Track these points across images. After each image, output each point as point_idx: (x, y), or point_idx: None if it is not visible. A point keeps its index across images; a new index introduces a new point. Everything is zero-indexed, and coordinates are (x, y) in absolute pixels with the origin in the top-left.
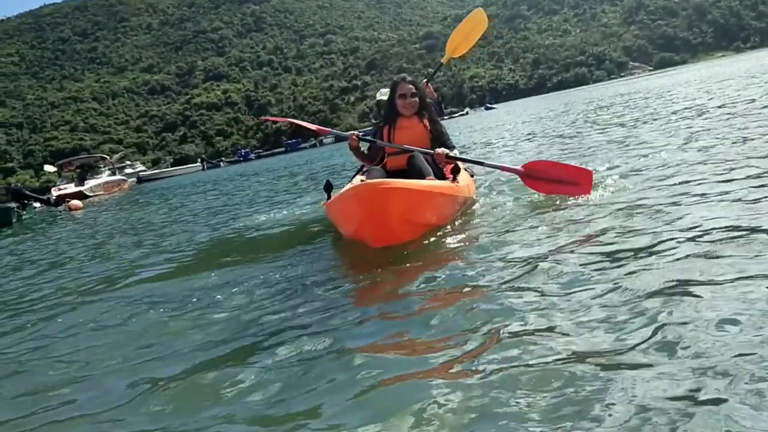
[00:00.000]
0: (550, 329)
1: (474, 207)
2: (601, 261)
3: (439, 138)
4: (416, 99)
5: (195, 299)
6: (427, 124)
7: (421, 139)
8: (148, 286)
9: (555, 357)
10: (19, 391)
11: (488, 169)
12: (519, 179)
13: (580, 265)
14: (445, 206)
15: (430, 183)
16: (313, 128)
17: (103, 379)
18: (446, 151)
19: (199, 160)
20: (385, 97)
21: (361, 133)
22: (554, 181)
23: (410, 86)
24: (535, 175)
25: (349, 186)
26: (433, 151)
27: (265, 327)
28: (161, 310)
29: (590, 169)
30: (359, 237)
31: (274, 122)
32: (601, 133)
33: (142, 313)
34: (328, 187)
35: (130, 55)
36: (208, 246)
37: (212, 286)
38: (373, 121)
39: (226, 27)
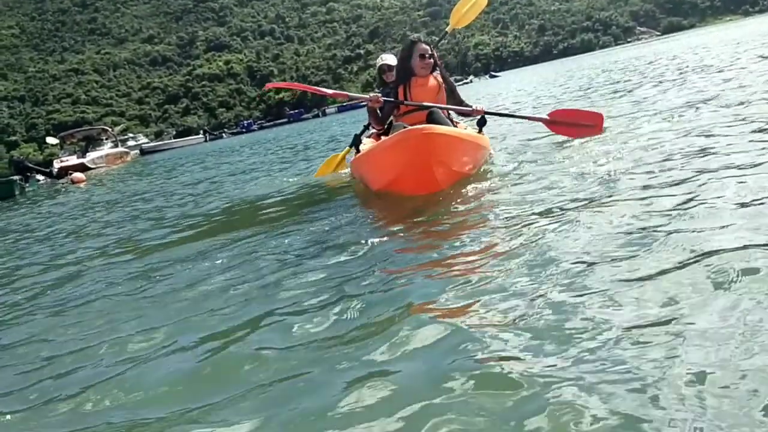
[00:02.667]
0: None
1: (492, 161)
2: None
3: (452, 92)
4: (432, 60)
5: (216, 266)
6: (441, 80)
7: (437, 95)
8: (160, 255)
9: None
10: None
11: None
12: (544, 126)
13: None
14: (476, 156)
15: (466, 132)
16: (329, 93)
17: (121, 350)
18: (483, 106)
19: (201, 131)
20: (389, 61)
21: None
22: (574, 125)
23: (427, 47)
24: (559, 121)
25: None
26: (471, 108)
27: (297, 289)
28: (175, 278)
29: (600, 112)
30: (397, 185)
31: (282, 89)
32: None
33: (158, 283)
34: (357, 141)
35: (130, 26)
36: (220, 214)
37: (235, 250)
38: (377, 90)
39: None
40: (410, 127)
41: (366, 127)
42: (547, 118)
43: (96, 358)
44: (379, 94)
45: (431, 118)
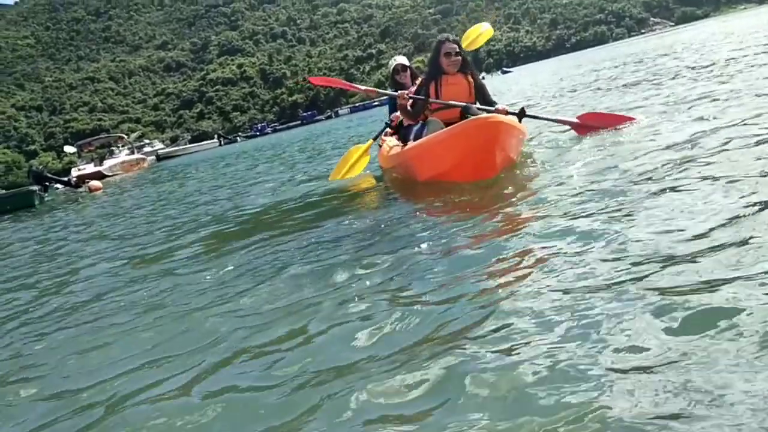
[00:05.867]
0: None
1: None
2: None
3: (482, 91)
4: (459, 58)
5: (257, 269)
6: (471, 80)
7: (467, 93)
8: (178, 263)
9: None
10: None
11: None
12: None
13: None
14: (522, 143)
15: (516, 121)
16: (362, 89)
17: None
18: (506, 107)
19: (215, 136)
20: (402, 62)
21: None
22: (605, 127)
23: (454, 45)
24: (588, 124)
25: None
26: (493, 108)
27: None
28: (195, 285)
29: (634, 117)
30: (456, 172)
31: (321, 86)
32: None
33: (180, 291)
34: (405, 136)
35: (144, 33)
36: (248, 217)
37: (270, 254)
38: (389, 90)
39: (238, 0)
40: (475, 117)
41: (387, 125)
42: (577, 121)
43: (124, 370)
44: (405, 92)
45: (466, 115)
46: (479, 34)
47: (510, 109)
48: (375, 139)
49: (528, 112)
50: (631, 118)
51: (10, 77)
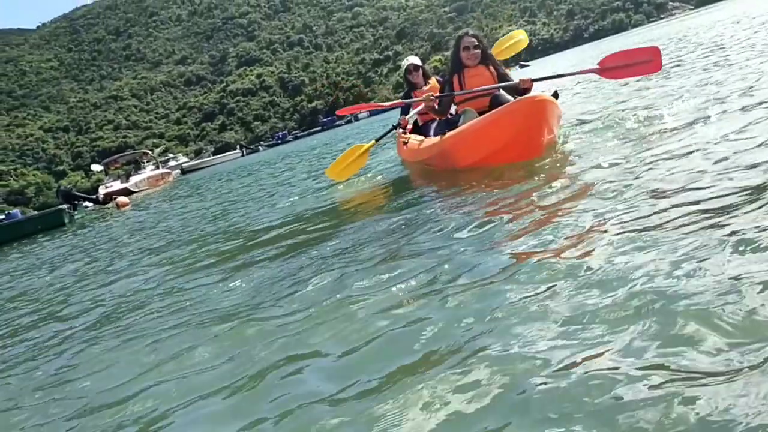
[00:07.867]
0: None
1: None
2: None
3: (505, 79)
4: (479, 50)
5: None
6: (493, 70)
7: (491, 82)
8: (215, 272)
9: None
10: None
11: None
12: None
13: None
14: (560, 122)
15: (554, 99)
16: (388, 106)
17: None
18: (529, 76)
19: (238, 147)
20: (414, 62)
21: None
22: (628, 65)
23: (473, 39)
24: (611, 66)
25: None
26: (517, 81)
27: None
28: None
29: (657, 45)
30: (502, 155)
31: (350, 113)
32: None
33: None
34: (426, 132)
35: (164, 49)
36: (277, 226)
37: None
38: (404, 90)
39: (254, 10)
40: (522, 98)
41: (394, 127)
42: (598, 67)
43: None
44: (431, 95)
45: (496, 102)
46: (513, 42)
47: (533, 77)
48: (378, 140)
49: (541, 75)
50: (652, 49)
51: (36, 100)
